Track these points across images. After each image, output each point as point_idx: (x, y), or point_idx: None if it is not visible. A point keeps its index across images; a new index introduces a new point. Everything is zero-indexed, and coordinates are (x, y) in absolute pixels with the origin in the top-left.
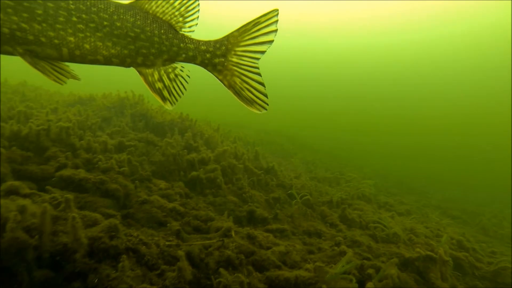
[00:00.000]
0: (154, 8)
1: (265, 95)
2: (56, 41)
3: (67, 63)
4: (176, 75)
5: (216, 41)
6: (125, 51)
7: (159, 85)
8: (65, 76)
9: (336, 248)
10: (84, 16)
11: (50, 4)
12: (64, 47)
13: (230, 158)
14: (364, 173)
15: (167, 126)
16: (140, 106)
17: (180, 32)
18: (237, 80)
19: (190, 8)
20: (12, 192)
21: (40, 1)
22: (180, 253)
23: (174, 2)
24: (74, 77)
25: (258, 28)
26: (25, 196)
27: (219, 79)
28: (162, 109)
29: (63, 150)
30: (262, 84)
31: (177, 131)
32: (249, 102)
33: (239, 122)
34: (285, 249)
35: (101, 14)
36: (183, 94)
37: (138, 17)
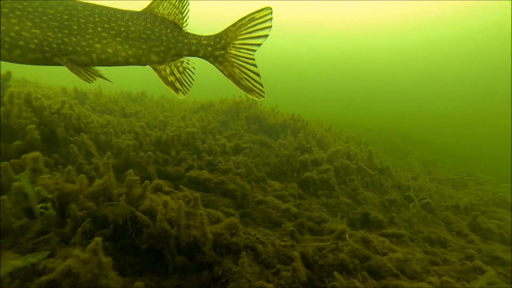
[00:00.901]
0: (161, 11)
1: (261, 84)
2: (87, 49)
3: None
4: (184, 68)
5: (215, 36)
6: (140, 51)
7: (171, 78)
8: (93, 78)
9: (467, 262)
10: (106, 25)
11: (82, 20)
12: (93, 53)
13: (343, 158)
14: (500, 175)
15: (279, 127)
16: (254, 109)
17: (184, 28)
18: (236, 71)
19: (184, 3)
20: (158, 189)
21: (75, 18)
22: (295, 253)
23: (175, 2)
24: (101, 77)
25: (254, 23)
26: (166, 193)
27: (219, 70)
28: (274, 111)
29: (190, 153)
30: (258, 74)
31: (289, 132)
32: (248, 90)
33: (350, 121)
34: (403, 256)
35: (119, 22)
36: (192, 84)
37: (148, 21)
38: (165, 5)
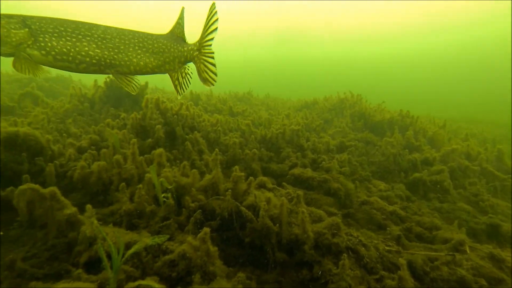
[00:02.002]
0: (176, 31)
1: (215, 74)
2: (128, 63)
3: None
4: (186, 74)
5: (195, 43)
6: (160, 62)
7: (177, 82)
8: (135, 86)
9: None
10: (140, 45)
11: (126, 42)
12: (132, 65)
13: (461, 158)
14: None
15: (386, 124)
16: (359, 105)
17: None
18: (201, 66)
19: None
20: (262, 186)
21: (122, 41)
22: (401, 261)
23: (180, 23)
24: (136, 84)
25: (208, 23)
26: (269, 189)
27: (196, 66)
28: (380, 107)
29: (294, 151)
30: (214, 65)
31: (397, 129)
32: (204, 80)
33: (470, 117)
34: None
35: (148, 41)
36: (188, 87)
37: (164, 40)
38: (177, 28)
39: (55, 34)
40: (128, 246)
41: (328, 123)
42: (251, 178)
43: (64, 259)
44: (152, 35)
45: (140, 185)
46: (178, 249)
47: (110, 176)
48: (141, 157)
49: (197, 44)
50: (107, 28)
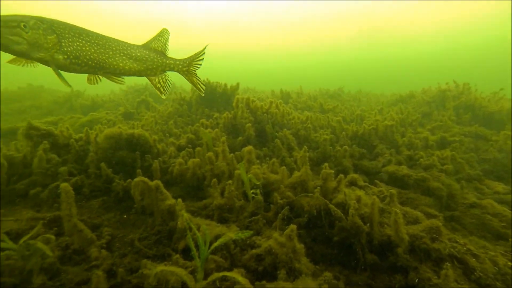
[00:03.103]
0: (154, 45)
1: (203, 86)
2: (116, 66)
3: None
4: (166, 80)
5: (185, 59)
6: (142, 68)
7: (158, 85)
8: (121, 82)
9: None
10: (125, 52)
11: (115, 49)
12: (119, 69)
13: None
14: None
15: (504, 115)
16: (466, 96)
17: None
18: (194, 79)
19: (167, 40)
20: (352, 183)
21: (112, 49)
22: None
23: (162, 40)
24: (121, 82)
25: (199, 55)
26: (360, 187)
27: (186, 78)
28: (496, 96)
29: (388, 147)
30: (201, 82)
31: None
32: (198, 89)
33: None
34: None
35: (131, 50)
36: (169, 90)
37: (146, 51)
38: (156, 43)
39: (71, 39)
40: (217, 238)
41: (427, 117)
42: (341, 175)
43: (166, 244)
44: (133, 44)
45: (230, 181)
46: (265, 244)
47: (203, 172)
48: (232, 154)
49: (186, 62)
50: (99, 34)
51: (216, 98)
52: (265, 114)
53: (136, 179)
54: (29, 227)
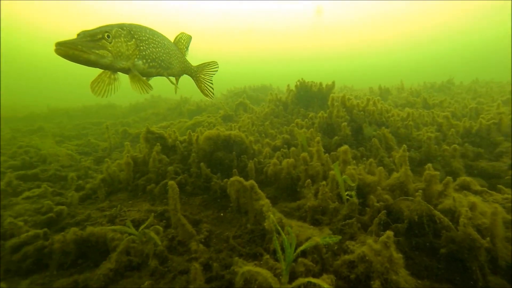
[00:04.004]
0: (180, 46)
1: (213, 93)
2: (173, 66)
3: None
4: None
5: (198, 66)
6: (180, 69)
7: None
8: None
9: None
10: (176, 52)
11: (171, 48)
12: (174, 69)
13: None
14: None
15: None
16: None
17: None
18: (202, 85)
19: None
20: (464, 187)
21: (169, 48)
22: None
23: (183, 42)
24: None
25: (212, 67)
26: (475, 192)
27: (196, 84)
28: None
29: None
30: (212, 88)
31: None
32: (206, 95)
33: None
34: None
35: (176, 50)
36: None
37: (180, 53)
38: (178, 46)
39: (146, 42)
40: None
41: None
42: (448, 178)
43: (259, 243)
44: (175, 46)
45: (324, 182)
46: (358, 251)
47: (298, 172)
48: (326, 154)
49: (199, 70)
50: (162, 36)
51: (312, 97)
52: (361, 112)
53: (232, 179)
54: (146, 217)
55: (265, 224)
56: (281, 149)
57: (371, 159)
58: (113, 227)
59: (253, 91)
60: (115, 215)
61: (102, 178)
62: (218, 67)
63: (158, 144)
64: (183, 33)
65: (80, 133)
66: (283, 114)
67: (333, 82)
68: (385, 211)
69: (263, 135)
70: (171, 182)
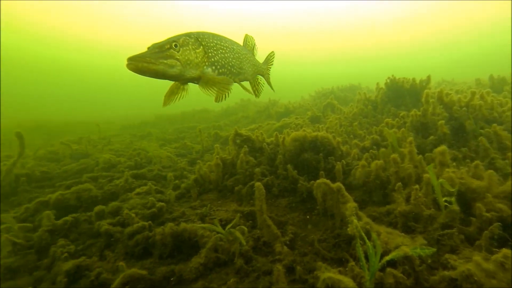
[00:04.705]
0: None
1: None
2: (244, 71)
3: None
4: (259, 83)
5: (264, 62)
6: (253, 72)
7: (254, 88)
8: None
9: None
10: (247, 55)
11: (240, 53)
12: (245, 74)
13: None
14: None
15: None
16: None
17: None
18: (268, 79)
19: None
20: None
21: (240, 52)
22: None
23: (250, 45)
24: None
25: (271, 57)
26: None
27: (264, 79)
28: None
29: None
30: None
31: None
32: (272, 87)
33: None
34: None
35: (247, 53)
36: (261, 91)
37: (252, 56)
38: (248, 45)
39: (214, 48)
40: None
41: None
42: None
43: (345, 248)
44: (245, 49)
45: (417, 186)
46: (462, 267)
47: (387, 175)
48: (420, 155)
49: (265, 65)
50: (231, 40)
51: (403, 95)
52: (464, 109)
53: (318, 181)
54: (233, 217)
55: (348, 229)
56: (370, 150)
57: (477, 161)
58: (203, 225)
59: (341, 91)
60: (205, 214)
61: (195, 179)
62: (274, 56)
63: (245, 146)
64: (247, 35)
65: (178, 137)
66: (372, 114)
67: (429, 77)
68: (499, 223)
69: (351, 136)
70: (257, 184)
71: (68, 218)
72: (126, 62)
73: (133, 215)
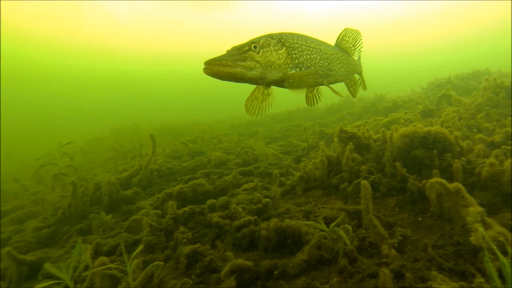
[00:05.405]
0: (342, 46)
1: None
2: (334, 72)
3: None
4: (355, 83)
5: (358, 61)
6: (346, 72)
7: (351, 89)
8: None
9: None
10: (336, 55)
11: (330, 54)
12: (334, 75)
13: None
14: None
15: None
16: None
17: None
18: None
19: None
20: None
21: (328, 52)
22: None
23: (349, 40)
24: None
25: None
26: None
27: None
28: None
29: None
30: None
31: None
32: (363, 88)
33: None
34: None
35: (338, 53)
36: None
37: (345, 53)
38: (344, 44)
39: (299, 49)
40: None
41: None
42: None
43: (468, 260)
44: (337, 48)
45: None
46: None
47: None
48: None
49: (359, 62)
50: (318, 41)
51: None
52: None
53: (431, 180)
54: (338, 215)
55: (471, 238)
56: (502, 146)
57: None
58: (307, 222)
59: (460, 80)
60: (310, 211)
61: (300, 176)
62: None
63: (351, 143)
64: (347, 29)
65: (284, 135)
66: (505, 103)
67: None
68: None
69: (474, 130)
70: (363, 182)
71: (186, 208)
72: (203, 67)
73: (240, 209)
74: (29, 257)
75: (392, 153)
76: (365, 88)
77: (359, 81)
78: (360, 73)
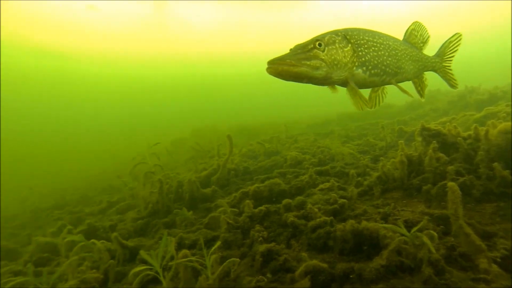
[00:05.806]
0: (410, 41)
1: (455, 79)
2: (403, 70)
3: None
4: (424, 80)
5: (438, 54)
6: (416, 69)
7: (419, 88)
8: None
9: None
10: (406, 51)
11: (399, 50)
12: (405, 73)
13: None
14: None
15: None
16: None
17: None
18: (447, 75)
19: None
20: None
21: (397, 49)
22: None
23: (417, 35)
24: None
25: (452, 47)
26: None
27: (440, 76)
28: None
29: None
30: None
31: None
32: (452, 86)
33: None
34: None
35: (408, 48)
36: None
37: (414, 49)
38: (413, 38)
39: (365, 46)
40: None
41: None
42: None
43: None
44: (406, 43)
45: None
46: None
47: None
48: None
49: (441, 57)
50: (387, 36)
51: None
52: None
53: None
54: (420, 219)
55: None
56: None
57: None
58: (385, 225)
59: None
60: (389, 213)
61: (378, 176)
62: (460, 39)
63: (434, 141)
64: (416, 22)
65: (361, 134)
66: None
67: None
68: None
69: None
70: (451, 184)
71: (262, 207)
72: (266, 66)
73: (316, 210)
74: (130, 243)
75: (489, 152)
76: (454, 86)
77: (425, 81)
78: (435, 70)
